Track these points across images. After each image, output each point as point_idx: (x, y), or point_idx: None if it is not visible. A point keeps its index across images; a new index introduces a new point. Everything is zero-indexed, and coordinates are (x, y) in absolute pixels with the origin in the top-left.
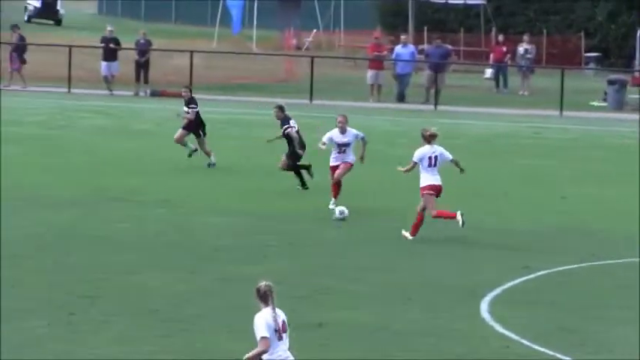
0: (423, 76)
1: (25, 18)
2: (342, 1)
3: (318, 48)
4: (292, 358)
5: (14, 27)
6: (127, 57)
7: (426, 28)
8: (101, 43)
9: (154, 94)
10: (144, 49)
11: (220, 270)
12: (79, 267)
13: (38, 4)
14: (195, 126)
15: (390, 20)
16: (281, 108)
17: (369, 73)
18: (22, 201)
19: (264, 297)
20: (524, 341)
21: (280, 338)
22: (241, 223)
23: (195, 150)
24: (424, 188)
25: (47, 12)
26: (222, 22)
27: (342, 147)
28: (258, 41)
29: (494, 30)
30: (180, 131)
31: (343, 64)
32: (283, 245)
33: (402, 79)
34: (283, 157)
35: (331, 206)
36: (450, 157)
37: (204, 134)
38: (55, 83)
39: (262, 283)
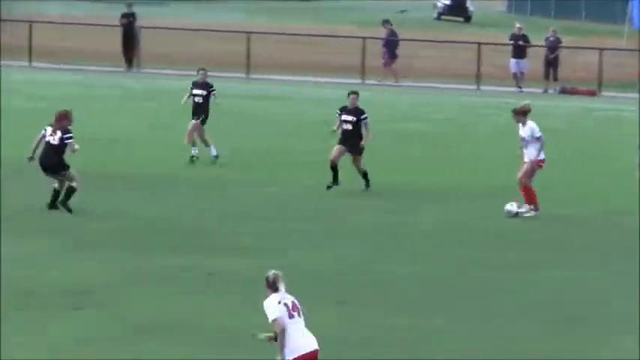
0: None
1: (435, 15)
2: None
3: None
4: (312, 336)
5: (385, 22)
6: (536, 54)
7: None
8: (510, 40)
9: (564, 91)
10: (553, 46)
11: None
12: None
13: (448, 2)
14: None
15: None
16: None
17: None
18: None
19: (274, 284)
20: None
21: (291, 316)
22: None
23: None
24: None
25: (457, 9)
26: (631, 20)
27: (521, 141)
28: None
29: None
30: None
31: None
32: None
33: None
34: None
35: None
36: None
37: None
38: (461, 80)
39: (270, 273)
